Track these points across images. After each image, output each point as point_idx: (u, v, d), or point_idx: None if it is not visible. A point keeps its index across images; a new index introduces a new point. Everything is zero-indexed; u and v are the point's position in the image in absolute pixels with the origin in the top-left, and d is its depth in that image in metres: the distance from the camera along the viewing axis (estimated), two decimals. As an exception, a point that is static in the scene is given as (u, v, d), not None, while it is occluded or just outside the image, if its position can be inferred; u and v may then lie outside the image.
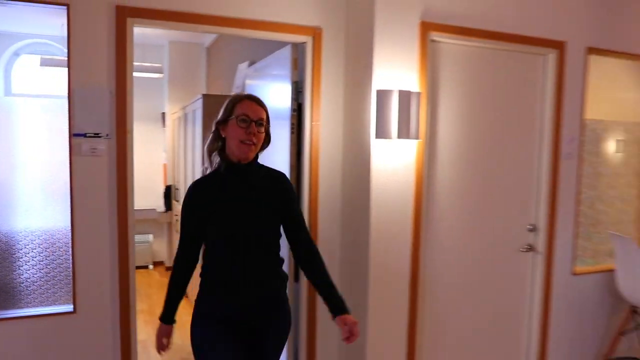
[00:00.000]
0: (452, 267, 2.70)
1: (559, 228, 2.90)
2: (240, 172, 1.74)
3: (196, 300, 1.79)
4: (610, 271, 3.02)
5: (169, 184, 5.96)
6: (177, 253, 1.84)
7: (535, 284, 2.91)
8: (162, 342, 1.81)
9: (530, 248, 2.89)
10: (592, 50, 2.91)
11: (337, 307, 1.72)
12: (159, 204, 5.98)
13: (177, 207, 5.52)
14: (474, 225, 2.73)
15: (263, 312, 1.77)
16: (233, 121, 1.70)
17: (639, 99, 3.27)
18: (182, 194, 5.21)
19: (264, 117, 1.74)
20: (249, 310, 1.74)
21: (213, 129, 1.77)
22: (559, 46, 2.79)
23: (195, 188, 1.78)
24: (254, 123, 1.70)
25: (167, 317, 1.81)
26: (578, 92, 2.89)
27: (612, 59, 3.06)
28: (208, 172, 1.79)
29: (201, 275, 1.80)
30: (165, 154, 6.07)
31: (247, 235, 1.72)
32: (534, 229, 2.89)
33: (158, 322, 1.82)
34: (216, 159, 1.77)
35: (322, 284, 1.77)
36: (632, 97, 3.27)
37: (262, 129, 1.73)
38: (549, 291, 2.91)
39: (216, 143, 1.76)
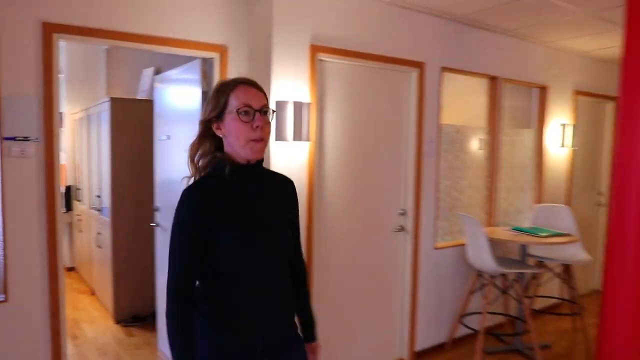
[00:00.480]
0: (339, 248, 3.27)
1: (423, 212, 3.61)
2: (252, 175, 1.45)
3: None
4: (462, 245, 3.81)
5: (68, 184, 5.94)
6: (176, 293, 1.36)
7: (406, 257, 3.59)
8: None
9: (402, 228, 3.57)
10: (445, 69, 3.66)
11: (311, 334, 1.65)
12: (59, 205, 5.92)
13: (79, 207, 5.56)
14: (356, 211, 3.33)
15: (285, 347, 1.52)
16: (233, 116, 1.38)
17: (484, 107, 4.12)
18: (84, 195, 5.29)
19: (267, 102, 1.45)
20: (271, 346, 1.47)
21: (201, 129, 1.45)
22: (419, 66, 3.49)
23: (200, 196, 1.38)
24: (258, 113, 1.39)
25: None
26: (435, 103, 3.62)
27: (463, 75, 3.85)
28: (193, 179, 1.46)
29: (202, 310, 1.43)
30: (64, 154, 6.03)
31: (272, 254, 1.44)
32: (404, 213, 3.57)
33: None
34: (205, 163, 1.46)
35: (302, 302, 1.62)
36: (480, 106, 4.11)
37: (268, 117, 1.43)
38: (417, 262, 3.61)
39: (206, 144, 1.44)
